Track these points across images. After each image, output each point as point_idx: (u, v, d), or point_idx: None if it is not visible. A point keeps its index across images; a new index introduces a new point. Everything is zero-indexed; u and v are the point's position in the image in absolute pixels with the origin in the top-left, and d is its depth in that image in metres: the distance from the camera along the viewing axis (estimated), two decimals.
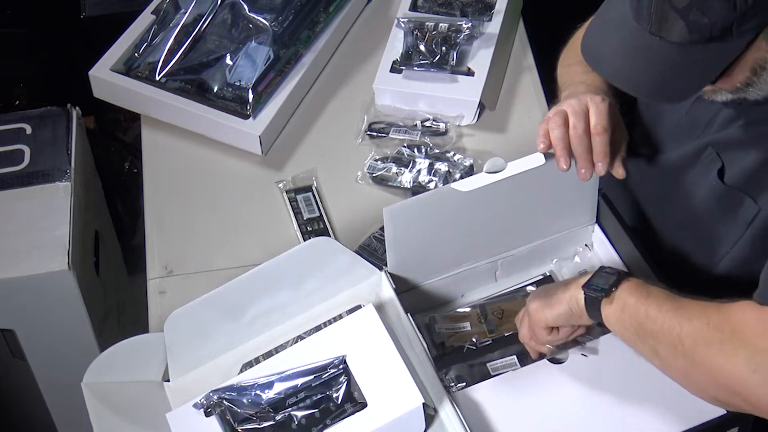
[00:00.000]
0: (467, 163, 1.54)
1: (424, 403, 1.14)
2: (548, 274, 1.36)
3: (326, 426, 1.15)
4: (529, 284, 1.35)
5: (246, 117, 1.60)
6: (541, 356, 1.24)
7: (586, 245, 1.38)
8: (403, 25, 1.68)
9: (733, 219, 1.23)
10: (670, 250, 1.34)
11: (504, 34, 1.70)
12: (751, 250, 1.23)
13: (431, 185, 1.53)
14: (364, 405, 1.15)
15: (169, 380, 1.25)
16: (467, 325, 1.31)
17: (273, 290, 1.26)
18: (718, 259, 1.27)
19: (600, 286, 1.15)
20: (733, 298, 1.08)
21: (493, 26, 1.69)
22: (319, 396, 1.17)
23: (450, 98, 1.62)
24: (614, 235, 1.35)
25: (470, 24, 1.65)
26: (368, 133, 1.62)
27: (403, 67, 1.64)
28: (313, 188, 1.55)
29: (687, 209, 1.29)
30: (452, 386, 1.21)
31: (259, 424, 1.15)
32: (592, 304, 1.15)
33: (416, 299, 1.31)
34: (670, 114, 1.32)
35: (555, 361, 1.23)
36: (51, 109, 1.76)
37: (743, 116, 1.21)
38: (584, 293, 1.16)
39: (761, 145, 1.20)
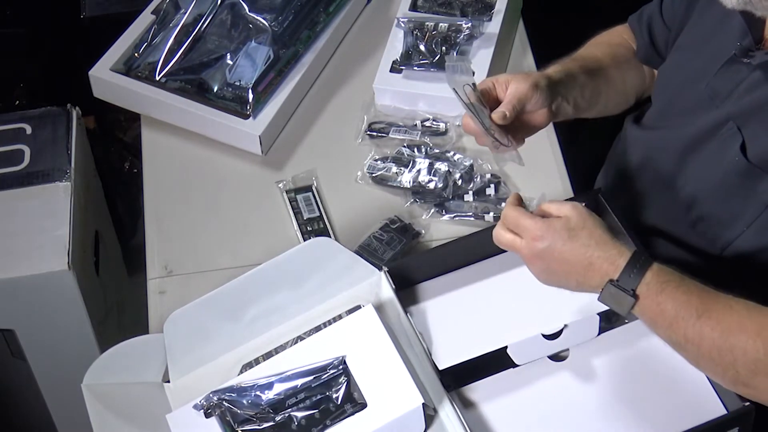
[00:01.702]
0: (467, 163, 1.54)
1: (423, 403, 1.15)
2: None
3: (326, 426, 1.15)
4: None
5: (246, 117, 1.60)
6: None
7: None
8: (403, 25, 1.68)
9: (751, 197, 1.19)
10: (677, 232, 1.30)
11: (504, 34, 1.70)
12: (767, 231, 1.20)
13: (431, 185, 1.53)
14: (363, 405, 1.16)
15: (169, 381, 1.25)
16: None
17: (273, 290, 1.26)
18: (731, 239, 1.23)
19: (616, 308, 1.10)
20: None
21: (493, 26, 1.68)
22: (319, 396, 1.17)
23: (450, 98, 1.61)
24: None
25: (470, 24, 1.65)
26: (368, 133, 1.62)
27: (403, 67, 1.64)
28: (313, 188, 1.55)
29: (702, 186, 1.25)
30: None
31: (259, 425, 1.15)
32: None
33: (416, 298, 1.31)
34: (689, 88, 1.30)
35: (556, 359, 1.23)
36: (51, 109, 1.76)
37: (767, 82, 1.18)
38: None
39: None
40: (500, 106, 1.25)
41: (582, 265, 1.11)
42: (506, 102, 1.25)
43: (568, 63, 1.39)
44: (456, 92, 1.22)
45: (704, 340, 1.06)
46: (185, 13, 1.68)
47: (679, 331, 1.07)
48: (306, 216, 1.52)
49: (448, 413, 1.17)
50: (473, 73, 1.24)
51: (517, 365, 1.22)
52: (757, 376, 1.05)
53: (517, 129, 1.30)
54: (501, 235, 1.17)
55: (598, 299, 1.11)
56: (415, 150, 1.57)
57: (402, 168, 1.55)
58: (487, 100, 1.26)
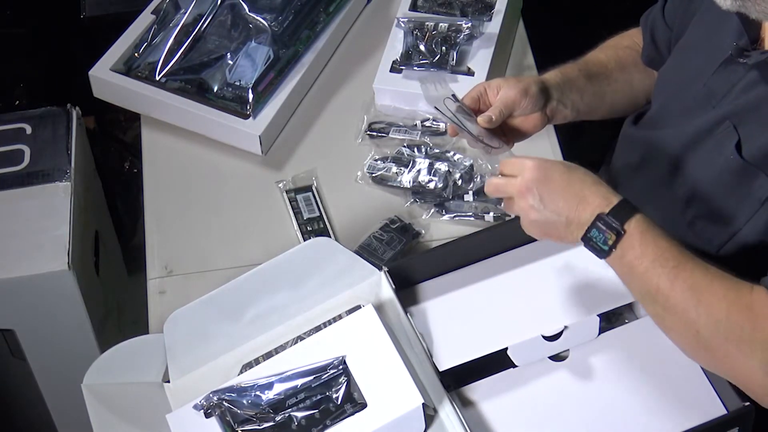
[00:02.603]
0: (467, 163, 1.54)
1: (423, 403, 1.15)
2: None
3: (326, 426, 1.15)
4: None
5: (246, 117, 1.60)
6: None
7: None
8: (403, 25, 1.68)
9: (746, 196, 1.20)
10: (674, 231, 1.31)
11: (504, 34, 1.70)
12: (765, 228, 1.20)
13: (431, 185, 1.53)
14: (363, 405, 1.16)
15: (169, 381, 1.25)
16: None
17: (273, 290, 1.26)
18: (728, 237, 1.24)
19: (599, 245, 1.12)
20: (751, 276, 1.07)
21: (493, 26, 1.68)
22: (319, 396, 1.17)
23: (449, 99, 1.61)
24: None
25: (470, 24, 1.65)
26: (368, 133, 1.62)
27: (403, 67, 1.64)
28: (313, 188, 1.55)
29: (698, 185, 1.26)
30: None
31: (259, 425, 1.15)
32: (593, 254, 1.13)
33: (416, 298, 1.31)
34: (687, 88, 1.30)
35: (556, 359, 1.23)
36: (51, 109, 1.76)
37: (766, 81, 1.19)
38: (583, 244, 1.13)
39: None
40: (487, 111, 1.28)
41: (576, 198, 1.13)
42: (493, 107, 1.29)
43: (568, 68, 1.41)
44: (438, 109, 1.25)
45: (674, 292, 1.08)
46: (185, 13, 1.68)
47: (653, 278, 1.09)
48: (306, 216, 1.52)
49: (448, 413, 1.17)
50: (448, 86, 1.29)
51: (517, 366, 1.22)
52: (716, 339, 1.06)
53: (511, 132, 1.32)
54: (491, 181, 1.19)
55: (582, 238, 1.12)
56: (415, 150, 1.57)
57: (402, 168, 1.55)
58: (480, 105, 1.31)
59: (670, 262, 1.09)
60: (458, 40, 1.65)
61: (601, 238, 1.11)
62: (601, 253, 1.12)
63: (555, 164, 1.16)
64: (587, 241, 1.12)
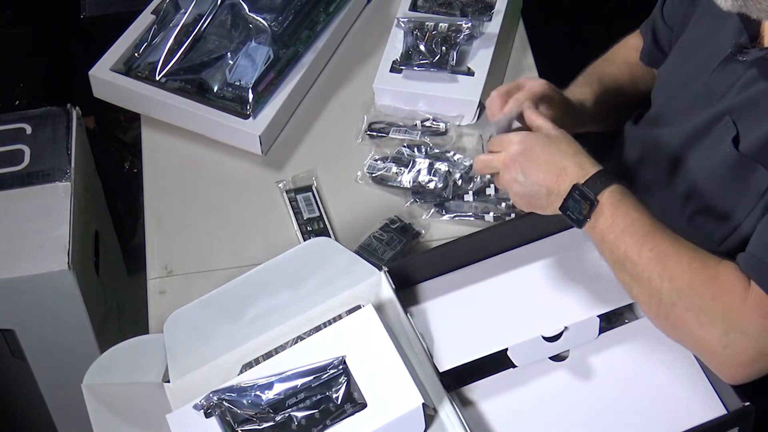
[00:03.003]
0: (467, 163, 1.54)
1: (424, 403, 1.15)
2: None
3: (326, 426, 1.15)
4: None
5: (246, 117, 1.60)
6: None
7: None
8: (403, 25, 1.68)
9: (745, 189, 1.21)
10: (675, 228, 1.31)
11: (504, 34, 1.70)
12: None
13: (431, 185, 1.53)
14: (363, 405, 1.16)
15: (169, 381, 1.25)
16: None
17: (273, 290, 1.26)
18: (729, 231, 1.24)
19: (575, 215, 1.16)
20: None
21: (493, 26, 1.68)
22: (319, 396, 1.17)
23: (450, 98, 1.62)
24: None
25: (470, 24, 1.65)
26: (368, 133, 1.62)
27: (403, 67, 1.64)
28: (313, 188, 1.55)
29: (698, 180, 1.27)
30: None
31: (259, 425, 1.15)
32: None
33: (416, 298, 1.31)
34: (687, 87, 1.31)
35: (556, 359, 1.23)
36: (51, 109, 1.76)
37: (765, 78, 1.20)
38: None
39: None
40: (517, 94, 1.30)
41: (556, 170, 1.18)
42: (525, 90, 1.30)
43: (586, 90, 1.43)
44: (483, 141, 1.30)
45: (641, 259, 1.12)
46: (185, 13, 1.68)
47: (622, 246, 1.13)
48: (306, 216, 1.52)
49: (448, 413, 1.17)
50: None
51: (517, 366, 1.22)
52: (676, 307, 1.09)
53: None
54: (479, 158, 1.25)
55: (559, 207, 1.17)
56: (415, 150, 1.57)
57: (402, 168, 1.55)
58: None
59: (639, 231, 1.12)
60: (458, 40, 1.65)
61: (576, 208, 1.16)
62: (577, 222, 1.17)
63: (538, 137, 1.21)
64: (564, 210, 1.17)
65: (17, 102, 2.28)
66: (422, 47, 1.65)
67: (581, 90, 1.44)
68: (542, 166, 1.19)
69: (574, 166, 1.17)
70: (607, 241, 1.15)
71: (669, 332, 1.14)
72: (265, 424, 1.15)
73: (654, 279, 1.11)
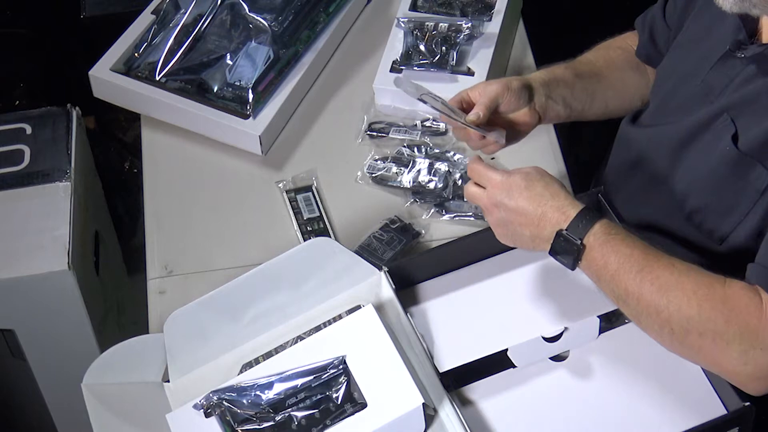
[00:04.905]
0: (467, 163, 1.54)
1: (424, 403, 1.15)
2: None
3: (326, 426, 1.15)
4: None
5: (246, 117, 1.60)
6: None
7: None
8: (403, 25, 1.68)
9: (745, 187, 1.20)
10: (674, 226, 1.32)
11: (504, 34, 1.70)
12: (763, 220, 1.20)
13: (431, 185, 1.53)
14: (363, 405, 1.16)
15: (169, 381, 1.25)
16: None
17: (273, 290, 1.26)
18: (729, 229, 1.24)
19: (564, 259, 1.16)
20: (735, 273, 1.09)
21: (493, 26, 1.68)
22: (319, 396, 1.17)
23: (450, 98, 1.61)
24: None
25: (470, 24, 1.65)
26: (368, 133, 1.62)
27: (403, 67, 1.64)
28: (313, 188, 1.56)
29: (697, 178, 1.26)
30: None
31: (259, 425, 1.15)
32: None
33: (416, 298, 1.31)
34: (685, 84, 1.31)
35: (556, 359, 1.23)
36: (51, 109, 1.76)
37: (763, 74, 1.20)
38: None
39: None
40: (474, 108, 1.30)
41: (536, 215, 1.17)
42: (479, 103, 1.31)
43: (555, 67, 1.43)
44: (423, 101, 1.29)
45: (643, 295, 1.10)
46: (185, 13, 1.68)
47: (621, 284, 1.12)
48: (306, 216, 1.52)
49: (448, 413, 1.17)
50: (423, 86, 1.34)
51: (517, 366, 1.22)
52: (690, 335, 1.09)
53: (508, 132, 1.34)
54: (467, 189, 1.24)
55: (549, 252, 1.17)
56: (415, 150, 1.57)
57: (402, 168, 1.55)
58: (463, 106, 1.33)
59: (634, 267, 1.11)
60: (458, 40, 1.65)
61: (564, 254, 1.16)
62: (568, 266, 1.16)
63: (515, 180, 1.19)
64: (553, 255, 1.17)
65: (17, 102, 2.28)
66: (422, 47, 1.65)
67: (551, 69, 1.42)
68: (522, 212, 1.18)
69: (553, 211, 1.16)
70: (604, 280, 1.14)
71: (685, 357, 1.13)
72: (265, 424, 1.15)
73: (662, 311, 1.09)
